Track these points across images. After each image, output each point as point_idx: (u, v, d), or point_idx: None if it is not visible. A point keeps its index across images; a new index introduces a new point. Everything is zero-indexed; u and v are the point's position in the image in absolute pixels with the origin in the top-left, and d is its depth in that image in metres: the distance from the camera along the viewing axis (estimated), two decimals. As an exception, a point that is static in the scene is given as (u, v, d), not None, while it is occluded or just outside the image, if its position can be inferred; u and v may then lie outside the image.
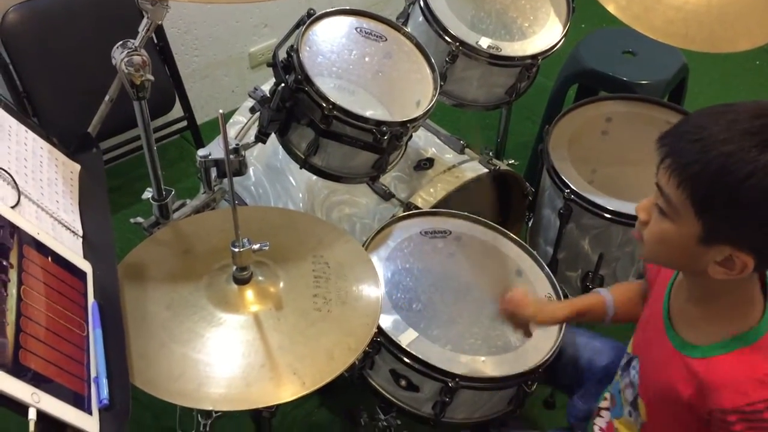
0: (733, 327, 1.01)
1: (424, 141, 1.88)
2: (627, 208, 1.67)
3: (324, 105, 1.44)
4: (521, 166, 2.50)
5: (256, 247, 1.13)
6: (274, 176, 1.90)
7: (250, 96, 1.64)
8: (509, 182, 1.98)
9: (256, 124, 1.61)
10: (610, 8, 1.68)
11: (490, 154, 1.90)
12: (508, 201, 2.04)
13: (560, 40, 1.78)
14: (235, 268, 1.15)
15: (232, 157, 1.52)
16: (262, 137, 1.58)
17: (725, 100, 2.69)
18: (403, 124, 1.50)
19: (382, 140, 1.48)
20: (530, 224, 2.03)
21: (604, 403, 1.34)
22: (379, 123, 1.47)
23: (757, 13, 1.70)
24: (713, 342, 1.02)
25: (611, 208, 1.67)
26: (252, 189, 1.93)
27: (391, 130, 1.48)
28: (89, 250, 1.12)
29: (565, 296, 1.56)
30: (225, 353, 1.07)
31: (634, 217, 1.64)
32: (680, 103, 2.43)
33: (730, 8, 1.68)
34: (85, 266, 1.08)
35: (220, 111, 1.02)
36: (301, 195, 1.84)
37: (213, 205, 1.60)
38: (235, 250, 1.12)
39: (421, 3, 1.75)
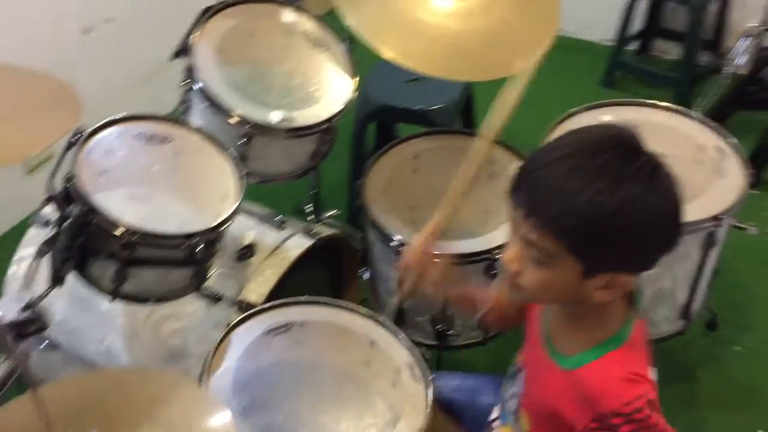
0: (601, 333, 1.07)
1: (240, 226, 1.76)
2: (456, 247, 1.67)
3: (120, 234, 1.29)
4: (343, 212, 2.46)
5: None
6: (84, 307, 1.69)
7: (33, 224, 1.45)
8: (336, 243, 1.91)
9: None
10: (389, 55, 1.66)
11: (307, 209, 1.79)
12: (340, 261, 1.97)
13: (352, 94, 1.74)
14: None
15: (26, 313, 1.32)
16: (58, 280, 1.39)
17: (520, 117, 2.76)
18: (216, 228, 1.38)
19: (197, 252, 1.36)
20: (367, 277, 1.98)
21: (494, 414, 1.35)
22: (189, 236, 1.34)
23: (522, 33, 1.77)
24: (581, 352, 1.07)
25: (441, 252, 1.65)
26: (61, 327, 1.71)
27: (204, 239, 1.36)
28: None
29: (426, 360, 1.52)
30: None
31: (467, 255, 1.68)
32: (471, 120, 2.51)
33: (500, 33, 1.73)
34: None
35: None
36: (119, 321, 1.66)
37: (18, 371, 1.38)
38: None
39: (197, 84, 1.63)
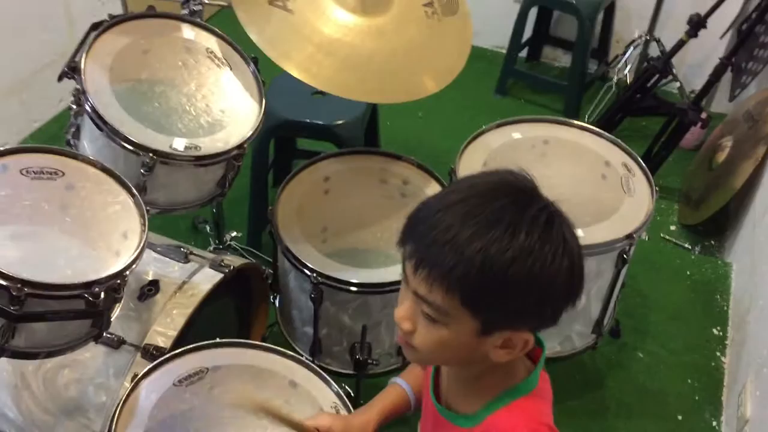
0: (506, 382, 1.00)
1: (142, 261, 1.61)
2: (373, 276, 1.62)
3: (9, 285, 1.13)
4: (243, 232, 2.34)
5: None
6: (-40, 357, 1.50)
7: None
8: (244, 270, 1.80)
9: None
10: (300, 76, 1.57)
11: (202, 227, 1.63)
12: (247, 287, 1.86)
13: (260, 117, 1.64)
14: None
15: None
16: (-68, 339, 1.21)
17: (418, 125, 2.74)
18: (119, 274, 1.25)
19: (98, 302, 1.22)
20: (278, 305, 1.89)
21: None
22: (88, 284, 1.20)
23: (435, 53, 1.73)
24: (484, 404, 1.00)
25: (360, 281, 1.60)
26: (-66, 381, 1.51)
27: (105, 286, 1.23)
28: None
29: (349, 396, 1.45)
30: None
31: (386, 284, 1.62)
32: (376, 135, 2.46)
33: (413, 54, 1.68)
34: None
35: None
36: (6, 372, 1.49)
37: None
38: None
39: (89, 110, 1.47)
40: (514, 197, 0.89)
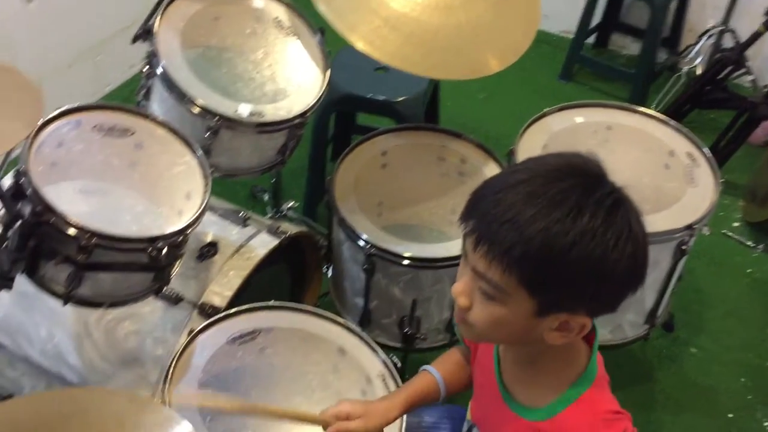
0: (565, 377, 1.00)
1: (202, 222, 1.66)
2: (427, 251, 1.63)
3: (78, 235, 1.19)
4: (300, 202, 2.38)
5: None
6: (29, 303, 1.57)
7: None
8: (299, 238, 1.84)
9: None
10: (364, 49, 1.58)
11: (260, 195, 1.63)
12: (301, 255, 1.90)
13: (324, 87, 1.66)
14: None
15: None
16: (5, 282, 1.27)
17: (478, 107, 2.71)
18: (181, 232, 1.29)
19: (160, 257, 1.27)
20: (330, 274, 1.92)
21: None
22: (152, 240, 1.25)
23: (501, 32, 1.71)
24: (553, 399, 0.99)
25: (412, 255, 1.61)
26: (4, 324, 1.59)
27: (168, 243, 1.27)
28: None
29: (396, 366, 1.46)
30: None
31: (439, 260, 1.63)
32: (436, 112, 2.45)
33: (480, 31, 1.67)
34: None
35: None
36: (70, 320, 1.55)
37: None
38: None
39: (160, 72, 1.52)
40: (581, 179, 0.88)
